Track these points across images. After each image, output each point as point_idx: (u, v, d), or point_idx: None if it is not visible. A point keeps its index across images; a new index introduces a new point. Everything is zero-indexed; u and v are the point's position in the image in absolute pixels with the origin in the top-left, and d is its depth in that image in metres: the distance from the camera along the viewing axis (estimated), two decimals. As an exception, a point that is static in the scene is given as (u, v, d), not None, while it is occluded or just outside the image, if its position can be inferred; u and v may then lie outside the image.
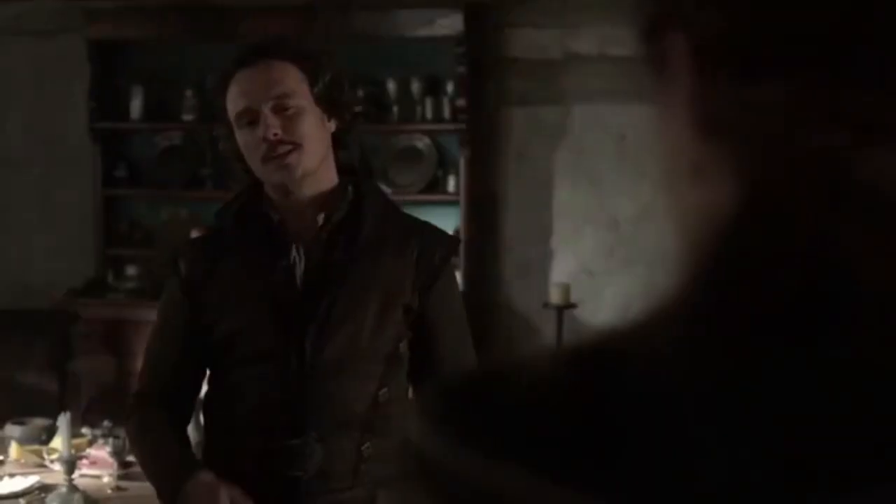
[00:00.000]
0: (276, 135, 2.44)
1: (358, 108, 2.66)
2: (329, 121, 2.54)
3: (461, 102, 5.91)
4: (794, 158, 0.58)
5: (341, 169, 2.59)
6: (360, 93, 6.01)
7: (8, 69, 6.69)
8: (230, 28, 6.04)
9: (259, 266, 2.54)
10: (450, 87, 6.01)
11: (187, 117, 6.29)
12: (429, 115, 6.06)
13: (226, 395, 2.59)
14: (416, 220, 2.68)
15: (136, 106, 6.37)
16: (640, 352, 0.58)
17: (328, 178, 2.55)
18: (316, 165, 2.50)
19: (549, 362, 0.59)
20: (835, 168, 0.57)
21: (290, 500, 2.50)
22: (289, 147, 2.46)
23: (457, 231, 6.01)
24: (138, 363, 6.33)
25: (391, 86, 6.08)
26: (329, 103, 2.53)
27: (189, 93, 6.26)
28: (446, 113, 6.03)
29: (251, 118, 2.48)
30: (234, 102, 2.51)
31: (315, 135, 2.49)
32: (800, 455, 0.52)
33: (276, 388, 2.50)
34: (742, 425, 0.53)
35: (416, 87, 6.07)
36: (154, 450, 2.62)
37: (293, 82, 2.49)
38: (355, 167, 2.64)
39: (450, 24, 5.82)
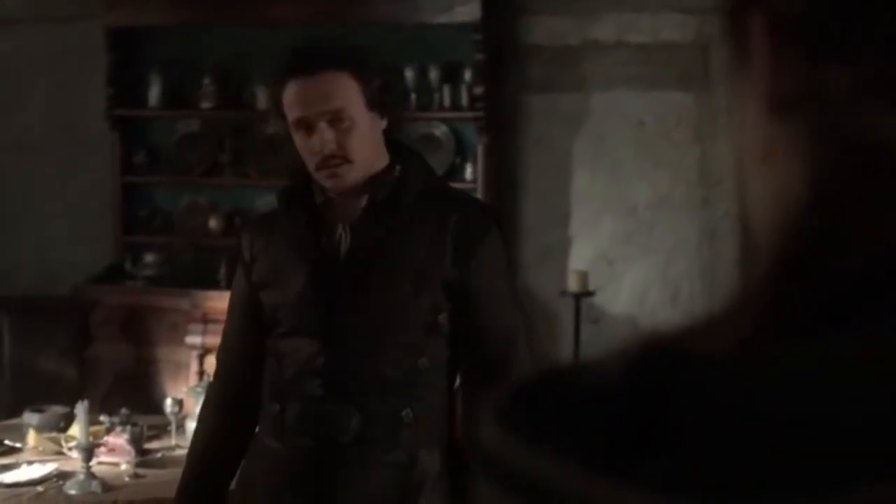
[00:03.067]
0: (330, 150, 2.65)
1: (407, 103, 2.90)
2: (381, 119, 2.73)
3: (479, 90, 5.89)
4: (858, 145, 0.58)
5: (391, 147, 2.77)
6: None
7: (27, 56, 6.70)
8: (249, 15, 6.04)
9: (305, 243, 2.72)
10: (468, 75, 5.99)
11: (206, 104, 6.30)
12: (447, 102, 6.04)
13: (274, 365, 2.74)
14: (460, 193, 2.91)
15: (154, 93, 6.38)
16: (710, 349, 0.57)
17: (376, 165, 2.72)
18: (364, 174, 2.69)
19: (618, 362, 0.59)
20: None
21: (332, 465, 2.65)
22: (340, 160, 2.66)
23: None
24: (157, 351, 6.36)
25: (409, 73, 6.07)
26: (381, 107, 2.72)
27: (207, 80, 6.26)
28: (464, 100, 6.01)
29: (307, 126, 2.67)
30: (290, 109, 2.69)
31: (366, 146, 2.70)
32: (874, 447, 0.51)
33: (318, 357, 2.66)
34: (812, 419, 0.52)
35: (434, 74, 6.05)
36: (187, 461, 2.95)
37: (348, 95, 2.67)
38: (404, 144, 2.87)
39: (468, 10, 5.81)
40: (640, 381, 0.56)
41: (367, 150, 2.69)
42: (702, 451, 0.53)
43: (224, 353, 2.90)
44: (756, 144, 0.63)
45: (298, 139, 2.70)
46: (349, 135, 2.66)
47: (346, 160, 2.65)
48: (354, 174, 2.67)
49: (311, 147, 2.66)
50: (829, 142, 0.59)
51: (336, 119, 2.64)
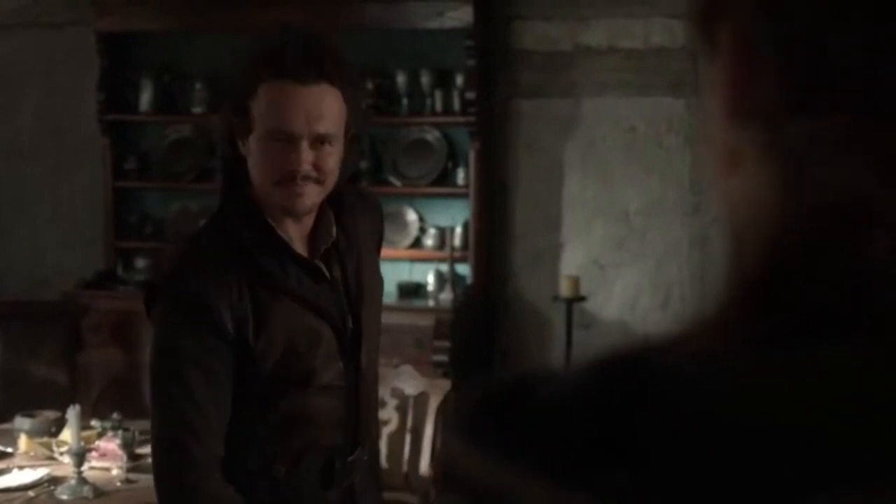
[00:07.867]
0: (307, 171, 2.37)
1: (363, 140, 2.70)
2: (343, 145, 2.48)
3: (471, 95, 5.90)
4: (823, 191, 0.57)
5: None
6: (370, 85, 6.01)
7: (19, 61, 6.70)
8: (240, 20, 6.04)
9: (305, 294, 2.45)
10: (459, 80, 6.00)
11: (197, 110, 6.30)
12: (438, 107, 6.05)
13: (277, 422, 2.45)
14: (361, 199, 2.68)
15: (145, 98, 6.38)
16: (681, 361, 0.57)
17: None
18: (321, 199, 2.47)
19: (587, 372, 0.59)
20: (860, 200, 0.56)
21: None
22: (311, 181, 2.39)
23: (466, 223, 6.01)
24: (147, 356, 6.33)
25: (401, 78, 6.08)
26: (353, 139, 2.49)
27: (198, 85, 6.26)
28: (456, 105, 6.02)
29: (286, 140, 2.37)
30: (271, 115, 2.37)
31: (336, 170, 2.44)
32: (837, 460, 0.51)
33: (340, 409, 2.51)
34: (788, 432, 0.52)
35: (425, 79, 6.06)
36: None
37: (338, 118, 2.41)
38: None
39: (459, 16, 5.81)
40: (608, 392, 0.56)
41: (334, 176, 2.44)
42: (665, 465, 0.53)
43: (206, 435, 2.38)
44: (721, 149, 0.63)
45: (263, 147, 2.39)
46: (328, 159, 2.40)
47: (317, 182, 2.40)
48: (316, 198, 2.42)
49: (284, 161, 2.37)
50: (795, 174, 0.58)
51: (320, 141, 2.38)
